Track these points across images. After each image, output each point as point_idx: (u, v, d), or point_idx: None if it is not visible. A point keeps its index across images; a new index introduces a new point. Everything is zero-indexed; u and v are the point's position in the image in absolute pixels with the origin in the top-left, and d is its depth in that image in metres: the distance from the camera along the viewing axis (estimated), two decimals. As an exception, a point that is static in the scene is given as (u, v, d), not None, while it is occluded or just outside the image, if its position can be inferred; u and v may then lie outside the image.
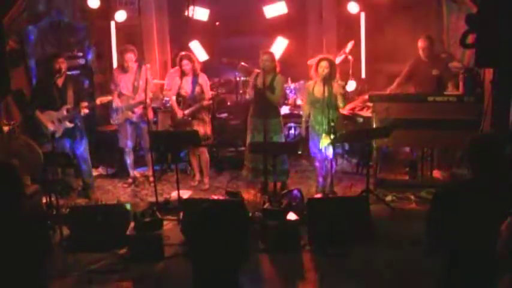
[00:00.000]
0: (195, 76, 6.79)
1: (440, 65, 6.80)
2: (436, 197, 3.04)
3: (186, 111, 6.76)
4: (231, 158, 7.79)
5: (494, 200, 2.79)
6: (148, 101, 6.67)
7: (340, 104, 6.26)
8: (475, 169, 2.91)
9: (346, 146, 7.75)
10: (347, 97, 6.66)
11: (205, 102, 6.78)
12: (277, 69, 6.46)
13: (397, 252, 5.04)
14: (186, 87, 6.79)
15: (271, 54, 6.54)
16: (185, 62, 6.73)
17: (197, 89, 6.77)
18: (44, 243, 2.65)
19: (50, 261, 2.87)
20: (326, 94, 6.01)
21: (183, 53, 6.98)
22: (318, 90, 6.15)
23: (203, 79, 6.84)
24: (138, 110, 6.87)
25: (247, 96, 6.73)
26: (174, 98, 6.86)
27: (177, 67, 8.20)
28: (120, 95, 6.93)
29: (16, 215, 2.60)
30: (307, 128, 6.44)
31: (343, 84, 6.61)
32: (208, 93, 6.89)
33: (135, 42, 8.09)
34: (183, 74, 6.81)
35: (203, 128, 6.80)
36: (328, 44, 8.72)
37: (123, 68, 6.92)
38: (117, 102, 6.90)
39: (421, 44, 6.75)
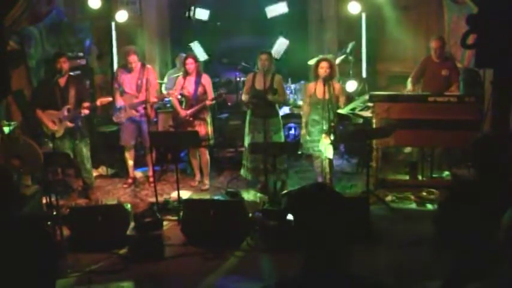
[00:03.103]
0: (198, 76, 6.79)
1: (449, 66, 6.82)
2: (444, 198, 3.05)
3: (189, 111, 6.76)
4: (231, 158, 7.79)
5: (500, 200, 2.80)
6: (154, 99, 6.71)
7: (342, 105, 6.30)
8: (480, 169, 2.91)
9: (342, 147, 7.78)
10: (348, 97, 6.62)
11: (208, 102, 6.79)
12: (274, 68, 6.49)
13: (397, 252, 5.04)
14: (189, 87, 6.79)
15: (270, 54, 6.57)
16: (189, 61, 6.74)
17: (200, 89, 6.78)
18: (42, 254, 2.53)
19: (53, 271, 2.74)
20: (327, 95, 6.02)
21: (184, 54, 6.99)
22: (320, 90, 6.16)
23: (206, 79, 6.85)
24: (141, 109, 6.88)
25: (243, 98, 6.74)
26: (176, 97, 6.88)
27: (177, 67, 8.24)
28: (123, 93, 6.94)
29: (7, 224, 2.49)
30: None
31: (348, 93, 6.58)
32: (211, 94, 6.90)
33: (136, 42, 8.10)
34: (186, 73, 6.81)
35: (204, 129, 6.81)
36: (328, 44, 8.73)
37: (126, 68, 6.93)
38: (120, 102, 6.92)
39: (433, 44, 6.76)
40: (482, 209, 2.80)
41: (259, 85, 6.46)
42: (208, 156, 7.07)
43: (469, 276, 2.84)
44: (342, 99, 6.27)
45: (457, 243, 2.91)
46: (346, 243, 1.81)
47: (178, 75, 7.90)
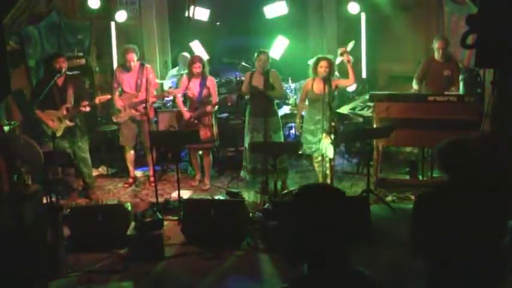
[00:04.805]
0: (204, 79, 6.77)
1: (452, 66, 6.82)
2: (416, 201, 3.08)
3: (194, 114, 6.75)
4: (232, 158, 7.80)
5: (472, 203, 2.81)
6: (153, 99, 6.70)
7: (349, 82, 6.37)
8: (450, 174, 2.93)
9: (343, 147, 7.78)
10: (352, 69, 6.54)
11: (209, 108, 6.75)
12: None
13: (397, 252, 5.03)
14: (194, 88, 6.77)
15: (268, 54, 6.60)
16: (197, 64, 6.71)
17: (205, 91, 6.76)
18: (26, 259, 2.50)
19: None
20: (326, 92, 6.03)
21: (187, 53, 6.97)
22: (318, 87, 6.18)
23: (211, 82, 6.83)
24: (141, 109, 6.88)
25: (247, 96, 6.73)
26: (180, 98, 6.87)
27: (177, 67, 8.24)
28: (122, 93, 6.94)
29: None
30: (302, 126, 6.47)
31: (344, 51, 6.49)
32: (216, 97, 6.88)
33: (136, 42, 8.11)
34: (191, 75, 6.79)
35: (209, 131, 6.80)
36: (328, 44, 8.73)
37: (125, 67, 6.93)
38: (119, 102, 6.92)
39: (437, 44, 6.78)
40: (455, 211, 2.82)
41: (257, 83, 6.46)
42: (210, 158, 7.07)
43: (447, 277, 2.87)
44: (344, 81, 6.29)
45: (430, 244, 2.93)
46: (347, 241, 1.82)
47: (179, 75, 7.90)
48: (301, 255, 1.80)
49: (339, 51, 6.36)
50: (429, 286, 3.00)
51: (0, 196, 4.91)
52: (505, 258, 2.81)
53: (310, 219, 1.76)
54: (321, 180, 6.39)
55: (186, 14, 7.90)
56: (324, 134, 6.14)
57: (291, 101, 7.98)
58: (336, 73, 6.49)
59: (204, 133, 6.68)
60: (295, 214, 1.80)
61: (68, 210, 5.74)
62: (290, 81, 8.19)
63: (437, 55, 6.80)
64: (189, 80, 6.80)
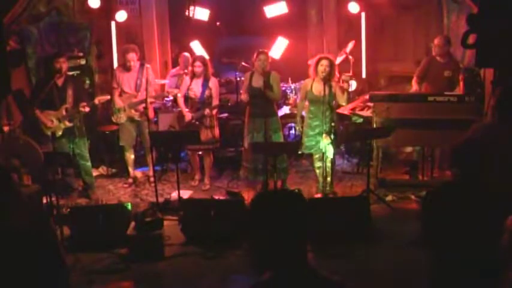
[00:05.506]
0: (206, 79, 6.75)
1: (453, 67, 6.80)
2: (425, 197, 3.09)
3: (195, 115, 6.74)
4: (232, 158, 7.79)
5: (482, 202, 2.82)
6: (152, 99, 6.69)
7: (342, 101, 6.29)
8: (461, 172, 2.94)
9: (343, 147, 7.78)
10: (349, 95, 6.57)
11: (207, 112, 6.70)
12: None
13: (397, 252, 5.04)
14: (196, 89, 6.75)
15: (268, 54, 6.59)
16: (198, 63, 6.68)
17: (207, 92, 6.74)
18: (47, 259, 2.51)
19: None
20: (326, 93, 6.02)
21: (187, 54, 6.95)
22: (317, 88, 6.17)
23: (213, 83, 6.81)
24: (141, 109, 6.87)
25: (243, 97, 6.65)
26: (182, 99, 6.85)
27: (178, 67, 8.23)
28: (122, 93, 6.94)
29: (9, 228, 2.48)
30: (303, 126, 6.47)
31: (347, 78, 6.54)
32: (217, 99, 6.85)
33: (136, 42, 8.10)
34: (193, 75, 6.77)
35: (210, 133, 6.79)
36: (328, 44, 8.72)
37: (125, 67, 6.92)
38: (118, 102, 6.91)
39: (437, 42, 6.77)
40: (460, 210, 2.83)
41: (256, 83, 6.45)
42: (212, 158, 7.07)
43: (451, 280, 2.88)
44: (340, 95, 6.24)
45: (436, 244, 2.94)
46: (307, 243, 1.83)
47: (179, 74, 7.87)
48: (261, 259, 1.82)
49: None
50: (433, 285, 3.01)
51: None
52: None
53: (266, 223, 1.78)
54: (321, 180, 6.39)
55: (186, 14, 7.90)
56: (324, 134, 6.13)
57: (291, 101, 7.98)
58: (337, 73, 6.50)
59: (205, 135, 6.67)
60: (253, 219, 1.83)
61: (68, 210, 5.75)
62: (290, 81, 8.19)
63: (436, 53, 6.77)
64: (191, 80, 6.79)
